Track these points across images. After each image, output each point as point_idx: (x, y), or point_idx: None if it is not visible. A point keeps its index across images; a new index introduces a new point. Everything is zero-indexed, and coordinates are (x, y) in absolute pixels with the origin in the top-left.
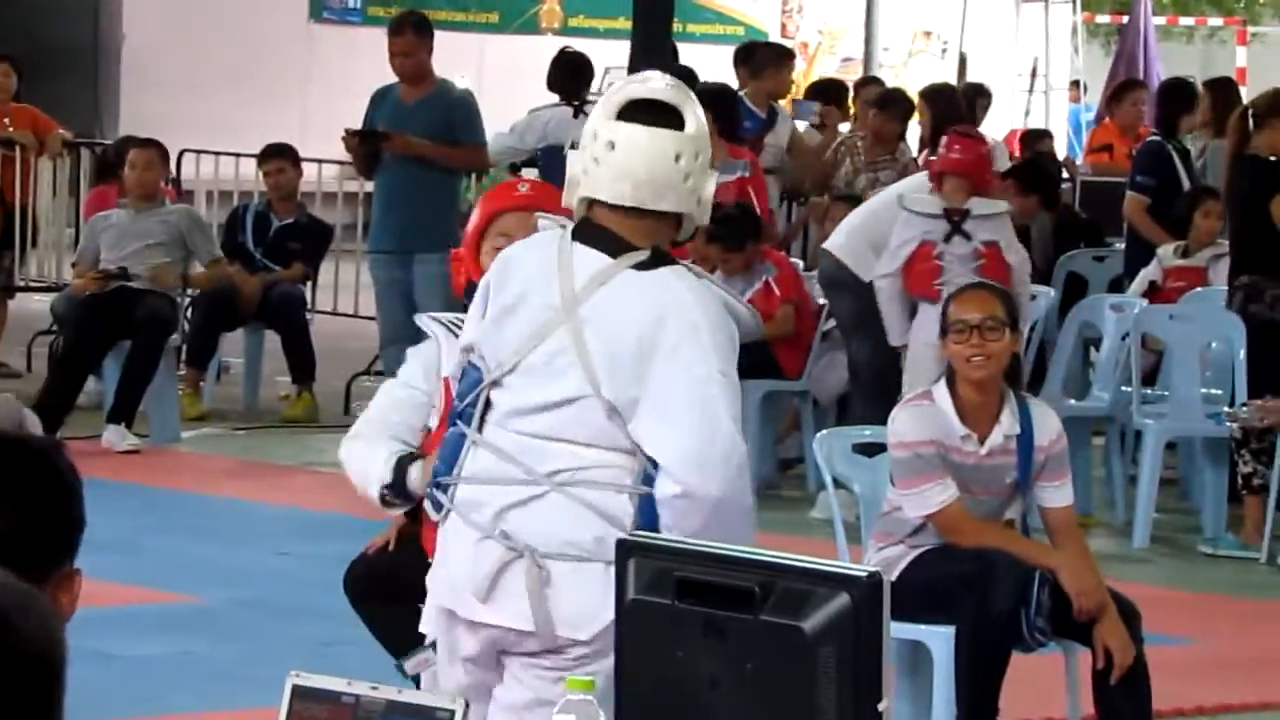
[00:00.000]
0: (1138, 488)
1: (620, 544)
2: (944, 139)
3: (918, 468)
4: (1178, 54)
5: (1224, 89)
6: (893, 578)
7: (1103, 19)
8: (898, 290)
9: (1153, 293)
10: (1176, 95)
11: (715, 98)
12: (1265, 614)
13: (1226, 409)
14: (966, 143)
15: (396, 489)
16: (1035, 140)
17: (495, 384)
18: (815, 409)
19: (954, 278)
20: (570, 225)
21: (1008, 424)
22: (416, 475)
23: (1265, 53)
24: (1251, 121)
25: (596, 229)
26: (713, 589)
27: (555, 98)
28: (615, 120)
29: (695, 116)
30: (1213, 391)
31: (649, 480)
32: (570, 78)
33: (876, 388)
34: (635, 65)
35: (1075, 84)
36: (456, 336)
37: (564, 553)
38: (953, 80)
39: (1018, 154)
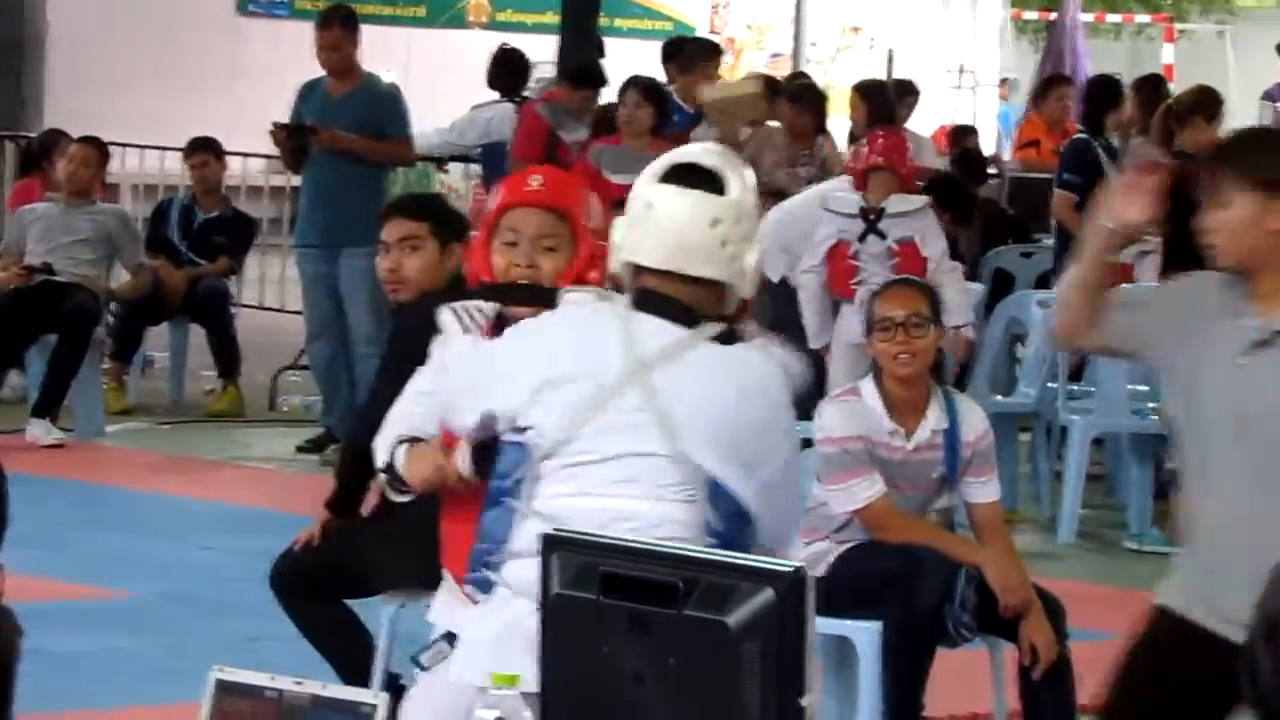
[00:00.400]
0: (1064, 484)
1: (545, 539)
2: (866, 138)
3: (845, 463)
4: (1105, 51)
5: (1151, 86)
6: (818, 573)
7: (1031, 15)
8: (820, 287)
9: None
10: (1102, 92)
11: (645, 91)
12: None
13: (1153, 405)
14: (889, 139)
15: (392, 470)
16: (962, 136)
17: (546, 456)
18: None
19: (870, 277)
20: (615, 295)
21: (934, 419)
22: (402, 456)
23: (1192, 50)
24: (1175, 119)
25: (658, 296)
26: (637, 584)
27: (490, 94)
28: (657, 183)
29: (740, 184)
30: (1139, 388)
31: (710, 529)
32: (510, 74)
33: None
34: (563, 60)
35: (1004, 81)
36: (466, 327)
37: None
38: (881, 76)
39: (945, 150)
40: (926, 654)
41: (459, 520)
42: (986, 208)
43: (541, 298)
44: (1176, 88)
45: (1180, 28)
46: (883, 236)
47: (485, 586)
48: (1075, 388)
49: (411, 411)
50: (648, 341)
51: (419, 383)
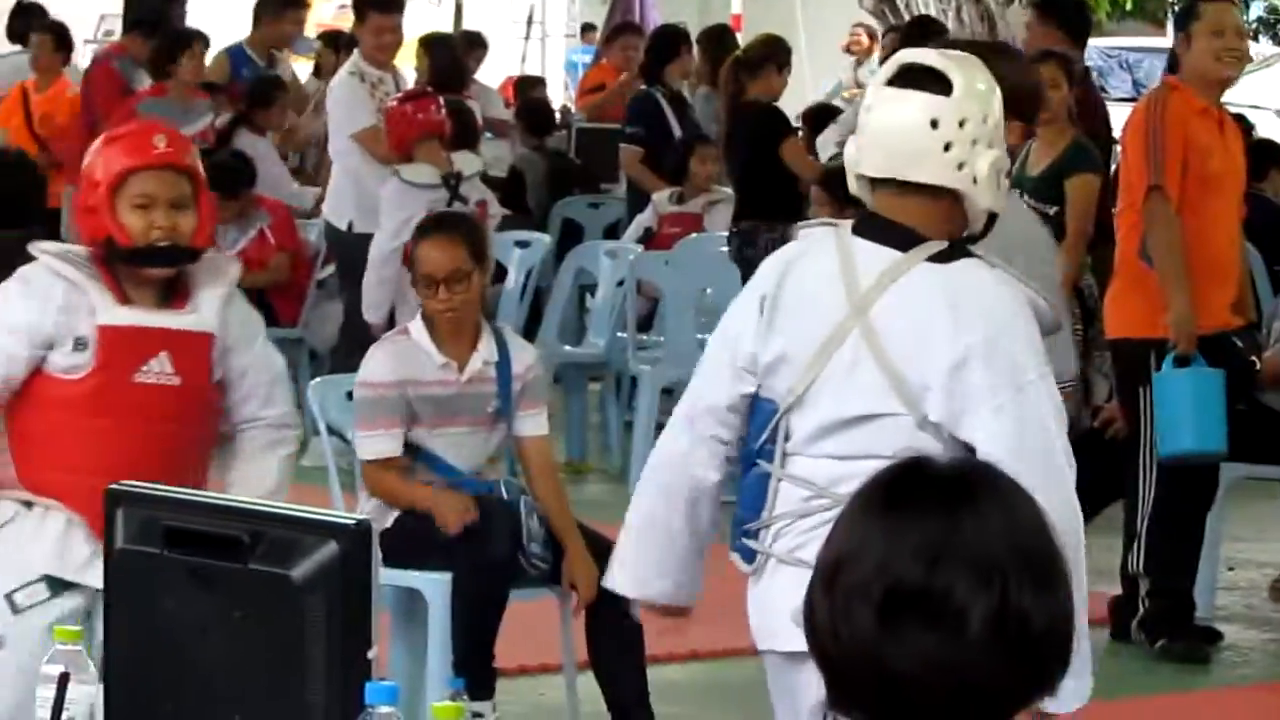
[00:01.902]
0: (633, 433)
1: (108, 494)
2: (409, 105)
3: (375, 411)
4: (674, 1)
5: (717, 37)
6: (386, 525)
7: None
8: (395, 271)
9: (648, 239)
10: (663, 42)
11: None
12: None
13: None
14: (425, 103)
15: None
16: (529, 86)
17: (789, 410)
18: (312, 358)
19: None
20: (846, 222)
21: (486, 351)
22: None
23: (761, 2)
24: (745, 69)
25: (880, 221)
26: (201, 538)
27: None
28: (882, 86)
29: (968, 85)
30: (708, 337)
31: None
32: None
33: (364, 336)
34: (129, 10)
35: (590, 28)
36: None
37: None
38: (449, 29)
39: (513, 101)
40: (497, 606)
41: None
42: (554, 158)
43: (184, 257)
44: (744, 38)
45: None
46: (465, 201)
47: (749, 556)
48: (644, 338)
49: None
50: (867, 272)
51: None
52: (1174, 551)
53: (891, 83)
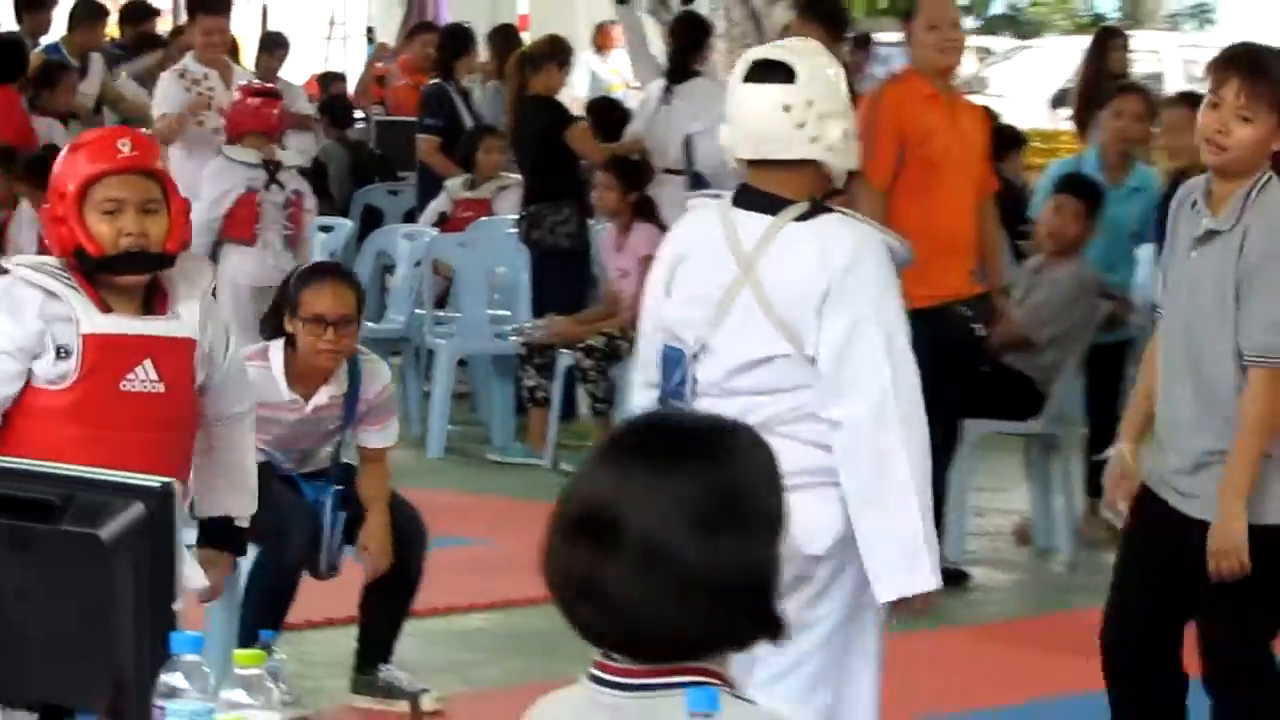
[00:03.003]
0: (431, 402)
1: None
2: (252, 99)
3: None
4: (465, 2)
5: (504, 36)
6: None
7: None
8: (209, 240)
9: (443, 222)
10: (454, 40)
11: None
12: (546, 513)
13: (512, 328)
14: (258, 96)
15: None
16: (330, 83)
17: (696, 358)
18: None
19: (269, 224)
20: (727, 194)
21: (334, 386)
22: None
23: (545, 1)
24: (530, 65)
25: (752, 192)
26: (13, 502)
27: None
28: (740, 83)
29: (809, 71)
30: (500, 313)
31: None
32: None
33: None
34: None
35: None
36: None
37: (798, 483)
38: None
39: (316, 96)
40: (286, 595)
41: None
42: (355, 150)
43: (156, 263)
44: (530, 36)
45: None
46: (282, 187)
47: None
48: (440, 314)
49: None
50: (747, 237)
51: None
52: None
53: (747, 79)
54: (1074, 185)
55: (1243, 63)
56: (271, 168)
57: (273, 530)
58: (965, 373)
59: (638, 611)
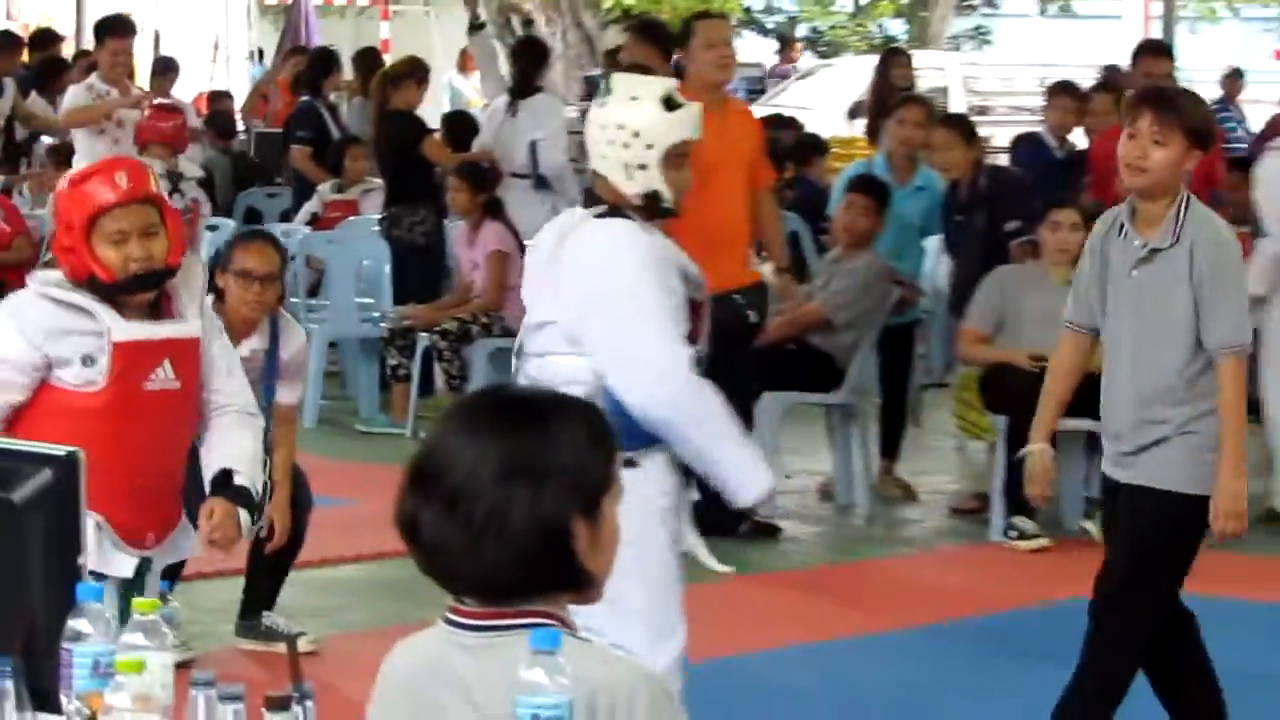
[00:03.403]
0: (307, 380)
1: None
2: (159, 115)
3: None
4: (334, 28)
5: (368, 57)
6: None
7: (271, 0)
8: None
9: (315, 222)
10: (321, 61)
11: None
12: None
13: (377, 314)
14: (166, 115)
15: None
16: (217, 100)
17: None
18: None
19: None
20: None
21: (256, 341)
22: None
23: (405, 26)
24: (391, 83)
25: (591, 196)
26: None
27: None
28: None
29: (611, 102)
30: (365, 300)
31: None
32: None
33: None
34: None
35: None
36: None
37: None
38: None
39: (203, 112)
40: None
41: None
42: (237, 158)
43: (163, 279)
44: (391, 58)
45: (394, 8)
46: (184, 195)
47: None
48: (314, 301)
49: None
50: (567, 222)
51: None
52: None
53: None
54: (863, 185)
55: (1153, 98)
56: (174, 178)
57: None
58: (744, 353)
59: (444, 553)
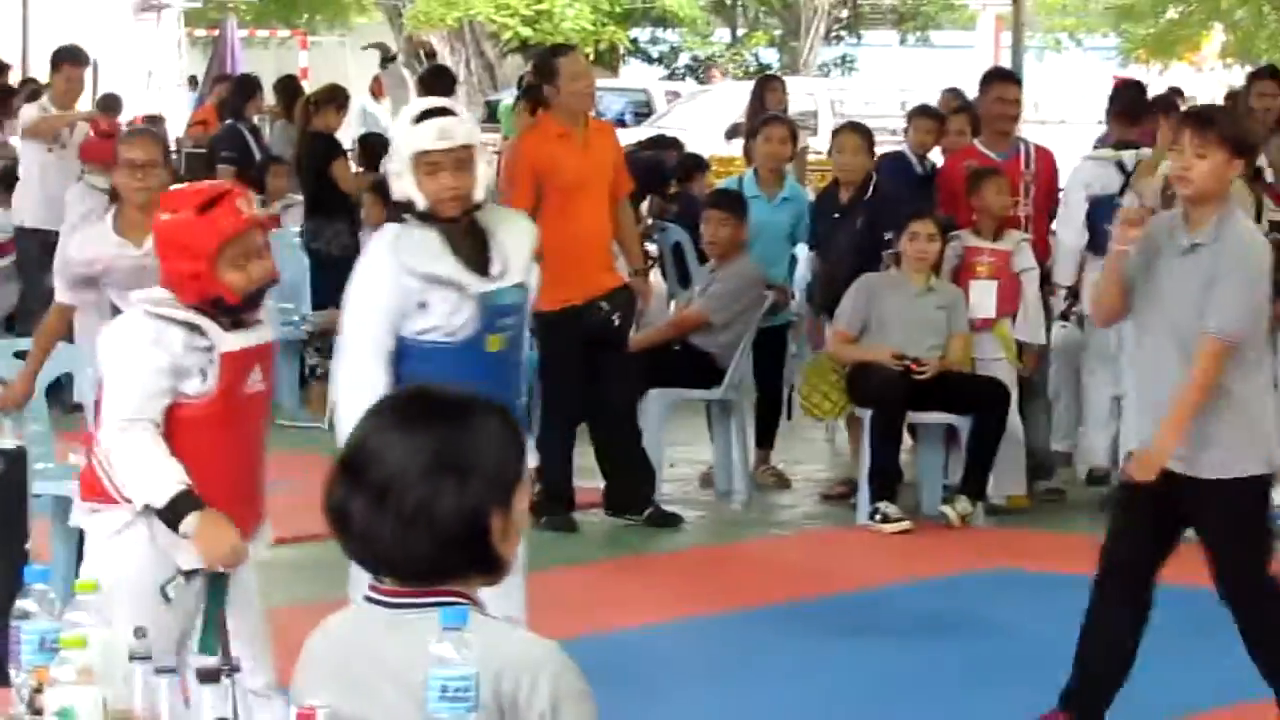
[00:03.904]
0: None
1: None
2: (90, 133)
3: (68, 277)
4: (257, 57)
5: (289, 84)
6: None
7: (200, 33)
8: None
9: None
10: (243, 88)
11: None
12: (324, 464)
13: (298, 317)
14: (106, 138)
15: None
16: (153, 123)
17: None
18: None
19: None
20: None
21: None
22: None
23: (322, 56)
24: (313, 107)
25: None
26: None
27: None
28: None
29: (399, 119)
30: (286, 306)
31: None
32: None
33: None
34: None
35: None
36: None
37: None
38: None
39: None
40: None
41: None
42: (170, 175)
43: (264, 296)
44: (310, 84)
45: (312, 39)
46: None
47: None
48: None
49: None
50: None
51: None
52: (551, 455)
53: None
54: (717, 200)
55: (1191, 117)
56: (113, 192)
57: None
58: (615, 353)
59: (373, 540)
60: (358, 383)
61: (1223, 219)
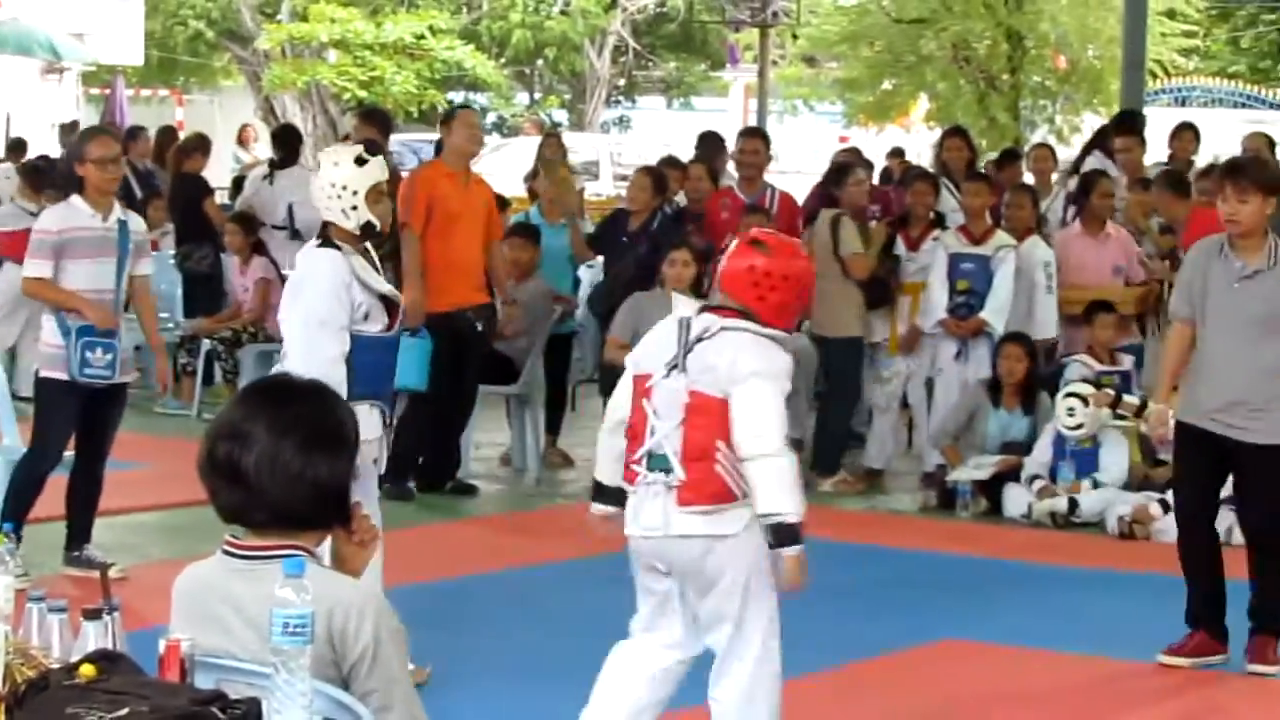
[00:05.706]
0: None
1: None
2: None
3: (42, 248)
4: (141, 110)
5: (166, 132)
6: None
7: (95, 91)
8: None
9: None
10: (130, 136)
11: None
12: (192, 448)
13: (173, 324)
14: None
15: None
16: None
17: None
18: None
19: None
20: None
21: (118, 213)
22: None
23: (195, 111)
24: (184, 153)
25: (325, 233)
26: None
27: None
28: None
29: (330, 166)
30: (163, 315)
31: None
32: None
33: None
34: None
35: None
36: None
37: None
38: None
39: None
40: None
41: None
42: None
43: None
44: (185, 134)
45: (187, 97)
46: None
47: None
48: (126, 314)
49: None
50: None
51: None
52: (406, 431)
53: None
54: (515, 230)
55: (1229, 170)
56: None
57: (39, 435)
58: (475, 355)
59: (265, 494)
60: (335, 357)
61: (1271, 248)
